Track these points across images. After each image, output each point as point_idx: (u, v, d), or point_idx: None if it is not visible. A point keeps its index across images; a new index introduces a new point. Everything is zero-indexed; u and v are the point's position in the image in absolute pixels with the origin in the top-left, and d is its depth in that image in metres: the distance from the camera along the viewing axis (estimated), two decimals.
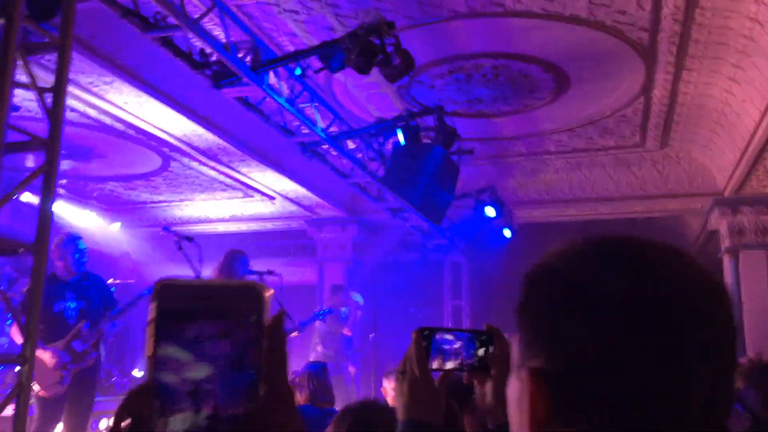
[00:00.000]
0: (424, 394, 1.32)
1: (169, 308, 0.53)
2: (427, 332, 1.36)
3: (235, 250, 6.23)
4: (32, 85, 3.10)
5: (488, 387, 1.37)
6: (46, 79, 3.67)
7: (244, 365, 0.53)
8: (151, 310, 0.53)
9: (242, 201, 9.52)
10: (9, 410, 3.20)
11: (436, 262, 9.91)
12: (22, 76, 3.34)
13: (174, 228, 7.53)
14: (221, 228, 10.30)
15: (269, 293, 0.55)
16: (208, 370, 0.53)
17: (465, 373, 1.39)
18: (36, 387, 4.74)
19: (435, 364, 1.36)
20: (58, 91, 3.18)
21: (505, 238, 8.58)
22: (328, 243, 9.94)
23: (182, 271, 5.85)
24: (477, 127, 7.40)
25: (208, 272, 5.98)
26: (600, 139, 7.86)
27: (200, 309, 0.53)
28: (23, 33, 3.30)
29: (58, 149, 3.15)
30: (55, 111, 3.15)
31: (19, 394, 3.09)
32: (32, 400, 4.46)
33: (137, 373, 9.15)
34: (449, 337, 1.38)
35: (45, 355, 4.84)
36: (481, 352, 1.38)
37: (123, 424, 0.53)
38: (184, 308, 0.53)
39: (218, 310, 0.53)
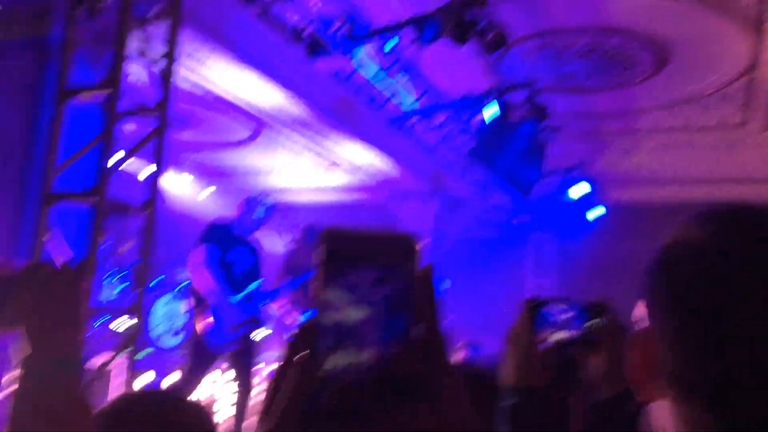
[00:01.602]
0: (525, 362, 1.34)
1: (333, 254, 0.57)
2: (535, 303, 1.36)
3: (311, 226, 6.33)
4: (145, 54, 3.24)
5: (599, 358, 1.36)
6: (152, 48, 3.83)
7: (398, 310, 0.56)
8: (318, 254, 0.57)
9: (328, 172, 9.67)
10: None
11: (519, 239, 9.79)
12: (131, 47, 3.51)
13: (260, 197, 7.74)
14: (306, 198, 10.50)
15: (421, 244, 0.58)
16: (366, 313, 0.56)
17: (573, 346, 1.38)
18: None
19: (542, 335, 1.36)
20: (169, 59, 3.31)
21: (593, 217, 8.37)
22: (411, 216, 9.97)
23: (269, 238, 6.01)
24: (568, 103, 7.21)
25: (287, 241, 6.09)
26: (699, 118, 7.50)
27: (360, 256, 0.57)
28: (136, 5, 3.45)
29: (167, 117, 3.29)
30: (166, 78, 3.28)
31: (131, 344, 3.29)
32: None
33: None
34: (560, 307, 1.37)
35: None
36: (592, 323, 1.36)
37: (295, 358, 0.57)
38: (346, 254, 0.57)
39: (376, 257, 0.57)
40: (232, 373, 5.25)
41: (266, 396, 0.58)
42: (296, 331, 0.58)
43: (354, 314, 0.56)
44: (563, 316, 1.36)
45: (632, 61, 6.31)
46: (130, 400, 1.37)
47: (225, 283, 4.81)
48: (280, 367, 0.57)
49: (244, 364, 5.04)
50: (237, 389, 5.08)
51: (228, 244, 4.96)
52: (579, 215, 8.26)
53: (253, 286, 5.13)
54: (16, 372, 0.96)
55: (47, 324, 0.97)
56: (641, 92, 6.94)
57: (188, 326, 5.36)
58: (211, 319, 4.70)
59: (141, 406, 1.35)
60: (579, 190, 7.93)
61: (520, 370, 1.34)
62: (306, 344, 0.56)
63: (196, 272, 4.76)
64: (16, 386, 0.95)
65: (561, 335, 1.35)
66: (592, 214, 8.37)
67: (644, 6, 5.27)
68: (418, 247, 0.58)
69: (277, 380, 0.57)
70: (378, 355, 0.55)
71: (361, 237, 0.58)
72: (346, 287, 0.56)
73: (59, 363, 0.97)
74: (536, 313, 1.35)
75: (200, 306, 4.68)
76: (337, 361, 0.55)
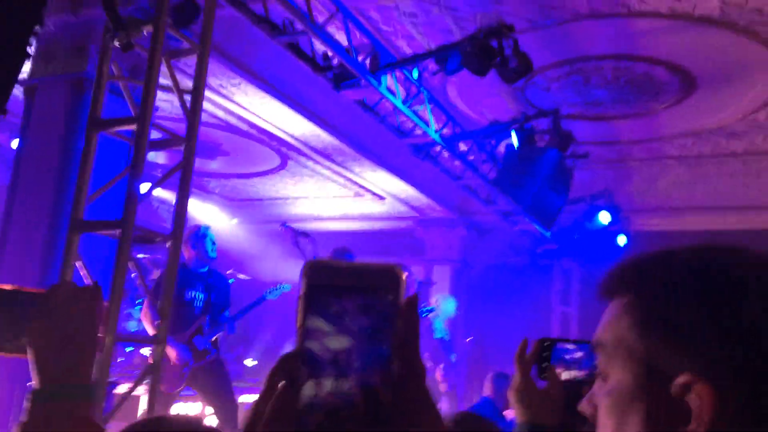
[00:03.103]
0: (538, 399, 1.38)
1: (316, 285, 0.58)
2: (548, 342, 1.40)
3: (343, 248, 6.36)
4: (175, 88, 3.34)
5: None
6: (183, 82, 3.95)
7: (380, 340, 0.57)
8: (302, 286, 0.58)
9: (353, 200, 9.74)
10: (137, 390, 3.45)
11: (546, 267, 9.71)
12: (163, 80, 3.62)
13: (288, 224, 7.82)
14: (332, 226, 10.57)
15: (406, 275, 0.59)
16: (348, 342, 0.57)
17: (583, 384, 1.40)
18: None
19: (554, 373, 1.39)
20: (197, 93, 3.40)
21: (619, 245, 8.28)
22: (436, 243, 9.97)
23: (296, 267, 6.05)
24: (594, 130, 7.20)
25: None
26: (728, 144, 7.43)
27: (343, 286, 0.58)
28: (166, 39, 3.56)
29: (194, 148, 3.37)
30: (193, 112, 3.37)
31: (152, 373, 3.33)
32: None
33: (249, 362, 9.56)
34: (571, 347, 1.40)
35: (171, 353, 4.91)
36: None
37: (279, 385, 0.58)
38: (330, 285, 0.58)
39: (359, 288, 0.58)
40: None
41: (248, 420, 0.59)
42: (279, 358, 0.59)
43: (336, 343, 0.57)
44: (574, 355, 1.38)
45: (658, 87, 6.29)
46: (145, 424, 1.39)
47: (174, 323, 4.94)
48: (263, 393, 0.59)
49: (211, 390, 5.16)
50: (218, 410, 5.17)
51: (184, 283, 5.02)
52: (603, 243, 8.18)
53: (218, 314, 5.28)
54: (25, 405, 0.98)
55: (63, 345, 1.00)
56: (668, 119, 6.89)
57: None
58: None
59: (166, 427, 1.38)
60: (604, 217, 7.87)
61: (529, 404, 1.37)
62: (288, 371, 0.57)
63: (146, 320, 4.83)
64: (22, 419, 0.98)
65: (572, 373, 1.38)
66: (620, 240, 8.28)
67: (670, 33, 5.27)
68: (403, 277, 0.59)
69: (258, 405, 0.58)
70: (359, 383, 0.56)
71: (346, 268, 0.60)
72: (329, 316, 0.57)
73: (74, 389, 0.99)
74: (548, 352, 1.38)
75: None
76: (319, 388, 0.56)
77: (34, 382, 0.99)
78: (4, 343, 1.05)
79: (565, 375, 1.39)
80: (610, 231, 8.12)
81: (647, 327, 0.70)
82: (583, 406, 0.78)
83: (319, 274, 0.59)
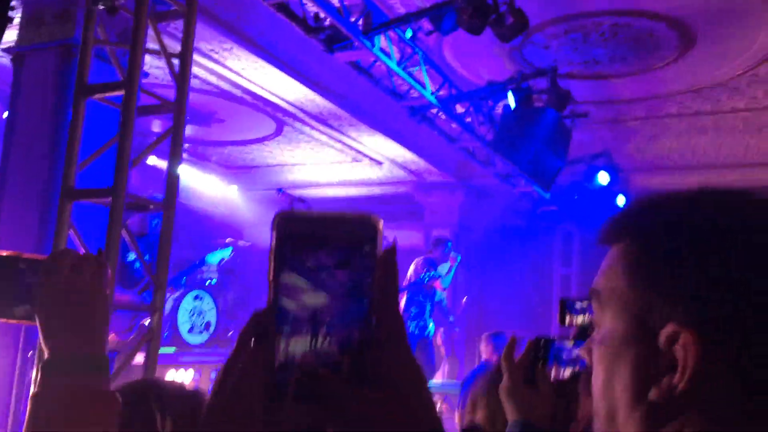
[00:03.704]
0: (528, 397, 1.39)
1: (288, 237, 0.55)
2: (543, 341, 1.40)
3: None
4: (162, 51, 3.27)
5: None
6: (172, 46, 3.87)
7: (358, 294, 0.55)
8: (272, 239, 0.55)
9: (351, 165, 9.69)
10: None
11: (546, 229, 9.70)
12: (150, 44, 3.54)
13: (285, 190, 7.78)
14: (330, 192, 10.54)
15: (382, 223, 0.56)
16: (325, 298, 0.54)
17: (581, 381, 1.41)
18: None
19: (552, 372, 1.39)
20: (185, 56, 3.34)
21: (619, 205, 8.25)
22: (436, 208, 9.95)
23: None
24: (593, 89, 7.10)
25: None
26: (729, 100, 7.33)
27: (318, 239, 0.55)
28: (152, 2, 3.48)
29: (184, 113, 3.32)
30: (181, 76, 3.31)
31: (150, 339, 3.33)
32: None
33: None
34: (568, 344, 1.40)
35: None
36: None
37: (251, 342, 0.55)
38: (303, 237, 0.55)
39: (335, 240, 0.55)
40: None
41: (218, 378, 0.56)
42: (252, 316, 0.56)
43: (312, 299, 0.54)
44: (572, 354, 1.39)
45: (658, 44, 6.18)
46: (150, 381, 1.39)
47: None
48: (234, 351, 0.56)
49: None
50: None
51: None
52: (604, 203, 8.15)
53: None
54: (36, 376, 0.95)
55: (71, 312, 0.96)
56: (667, 76, 6.80)
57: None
58: None
59: (162, 387, 1.37)
60: (604, 178, 7.82)
61: (521, 401, 1.38)
62: (260, 329, 0.55)
63: None
64: (34, 391, 0.95)
65: (568, 371, 1.39)
66: (621, 201, 8.25)
67: None
68: (380, 227, 0.56)
69: (230, 363, 0.56)
70: (337, 341, 0.54)
71: (320, 219, 0.56)
72: (304, 271, 0.55)
73: (86, 359, 0.95)
74: (546, 350, 1.39)
75: None
76: (294, 346, 0.54)
77: (44, 353, 0.96)
78: (9, 309, 1.02)
79: (562, 374, 1.39)
80: (610, 191, 8.08)
81: (637, 275, 0.67)
82: (582, 352, 0.77)
83: (291, 226, 0.56)
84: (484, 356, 6.12)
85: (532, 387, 1.39)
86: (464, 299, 8.30)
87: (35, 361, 3.16)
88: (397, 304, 0.57)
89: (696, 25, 5.79)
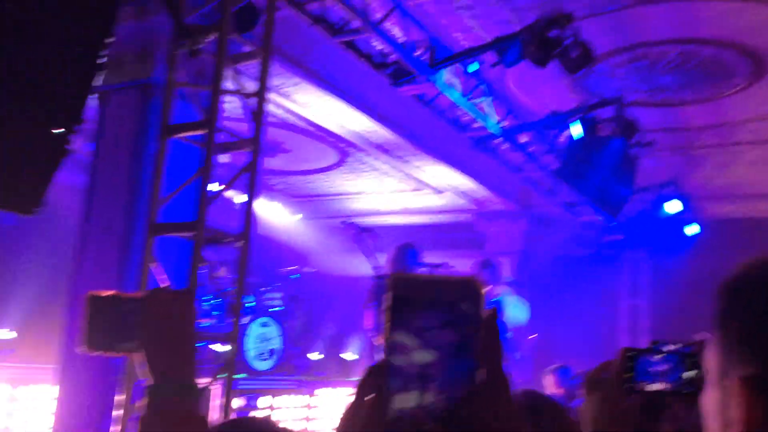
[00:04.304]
0: (617, 412, 1.34)
1: (400, 297, 0.61)
2: (632, 353, 1.36)
3: (407, 244, 6.38)
4: (240, 92, 3.42)
5: (694, 410, 1.33)
6: (245, 82, 4.04)
7: (464, 353, 0.59)
8: (386, 299, 0.61)
9: (413, 194, 9.75)
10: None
11: (612, 257, 9.49)
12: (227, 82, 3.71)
13: (350, 220, 7.90)
14: (392, 220, 10.62)
15: (486, 288, 0.61)
16: (433, 356, 0.59)
17: (669, 396, 1.37)
18: None
19: (638, 386, 1.35)
20: (261, 96, 3.48)
21: (689, 234, 8.02)
22: (497, 236, 9.88)
23: (358, 262, 6.15)
24: (660, 116, 6.99)
25: (381, 262, 6.19)
26: None
27: (427, 300, 0.60)
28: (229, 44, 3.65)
29: (259, 150, 3.45)
30: (258, 115, 3.45)
31: (227, 370, 3.44)
32: None
33: (315, 356, 9.72)
34: (656, 358, 1.36)
35: None
36: (688, 374, 1.34)
37: (366, 398, 0.61)
38: (413, 298, 0.60)
39: (442, 302, 0.60)
40: None
41: (340, 428, 0.62)
42: (366, 371, 0.62)
43: (421, 357, 0.59)
44: (659, 368, 1.34)
45: (727, 71, 6.06)
46: (241, 423, 1.46)
47: None
48: (351, 406, 0.61)
49: None
50: None
51: None
52: (673, 232, 7.93)
53: None
54: (143, 400, 1.06)
55: (170, 345, 1.07)
56: (737, 103, 6.63)
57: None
58: None
59: (253, 426, 1.44)
60: (673, 206, 7.63)
61: (610, 419, 1.34)
62: (375, 385, 0.60)
63: None
64: (142, 413, 1.05)
65: (656, 386, 1.34)
66: (690, 230, 8.02)
67: (736, 14, 5.07)
68: (483, 290, 0.61)
69: (347, 418, 0.61)
70: (444, 397, 0.59)
71: (428, 281, 0.62)
72: (414, 330, 0.60)
73: (182, 387, 1.07)
74: (633, 362, 1.35)
75: None
76: (406, 402, 0.59)
77: (148, 380, 1.06)
78: (114, 344, 1.12)
79: (649, 388, 1.35)
80: (680, 219, 7.87)
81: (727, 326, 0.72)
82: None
83: (402, 286, 0.61)
84: (547, 390, 6.00)
85: (621, 403, 1.33)
86: (533, 336, 8.15)
87: (123, 385, 3.30)
88: (501, 360, 0.61)
89: (765, 51, 5.66)
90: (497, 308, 0.62)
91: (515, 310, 7.69)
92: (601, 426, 1.34)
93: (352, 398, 0.63)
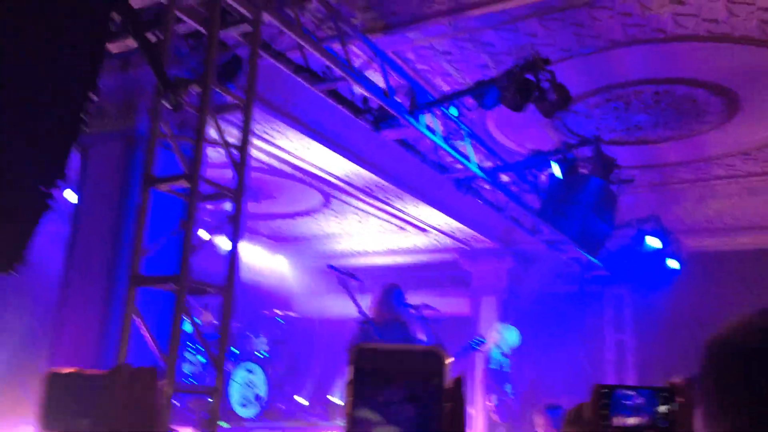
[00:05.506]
0: None
1: (364, 371, 0.62)
2: (606, 389, 1.38)
3: (392, 285, 6.36)
4: (223, 143, 3.45)
5: None
6: (228, 130, 4.07)
7: (427, 426, 0.60)
8: (349, 372, 0.62)
9: (397, 235, 9.79)
10: None
11: (596, 294, 9.54)
12: (210, 132, 3.74)
13: (333, 262, 7.89)
14: (377, 260, 10.63)
15: (450, 359, 0.62)
16: (397, 430, 0.60)
17: (647, 430, 1.38)
18: None
19: (615, 421, 1.37)
20: (243, 147, 3.51)
21: (671, 268, 8.10)
22: (483, 274, 9.91)
23: (343, 304, 6.13)
24: (637, 154, 7.12)
25: (366, 304, 6.16)
26: None
27: (390, 373, 0.61)
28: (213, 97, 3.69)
29: (243, 199, 3.47)
30: (241, 166, 3.48)
31: (210, 426, 3.39)
32: None
33: (301, 400, 9.58)
34: (629, 393, 1.39)
35: None
36: (662, 409, 1.36)
37: None
38: (377, 371, 0.62)
39: (404, 374, 0.61)
40: None
41: None
42: None
43: (384, 431, 0.60)
44: (634, 401, 1.37)
45: (701, 109, 6.20)
46: None
47: None
48: None
49: None
50: None
51: None
52: (655, 267, 8.01)
53: None
54: None
55: (131, 424, 1.05)
56: (712, 140, 6.78)
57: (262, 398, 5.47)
58: None
59: None
60: (654, 241, 7.72)
61: None
62: None
63: None
64: None
65: (632, 420, 1.36)
66: (671, 264, 8.10)
67: (710, 54, 5.22)
68: (447, 360, 0.62)
69: None
70: None
71: (391, 353, 0.63)
72: (376, 406, 0.61)
73: None
74: (607, 399, 1.37)
75: None
76: None
77: None
78: (71, 423, 1.09)
79: (626, 422, 1.37)
80: (661, 254, 7.96)
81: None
82: None
83: (365, 359, 0.63)
84: (538, 429, 5.96)
85: None
86: (531, 380, 8.16)
87: None
88: (464, 430, 0.62)
89: (738, 89, 5.81)
90: (461, 379, 0.64)
91: (511, 336, 7.79)
92: None
93: None
